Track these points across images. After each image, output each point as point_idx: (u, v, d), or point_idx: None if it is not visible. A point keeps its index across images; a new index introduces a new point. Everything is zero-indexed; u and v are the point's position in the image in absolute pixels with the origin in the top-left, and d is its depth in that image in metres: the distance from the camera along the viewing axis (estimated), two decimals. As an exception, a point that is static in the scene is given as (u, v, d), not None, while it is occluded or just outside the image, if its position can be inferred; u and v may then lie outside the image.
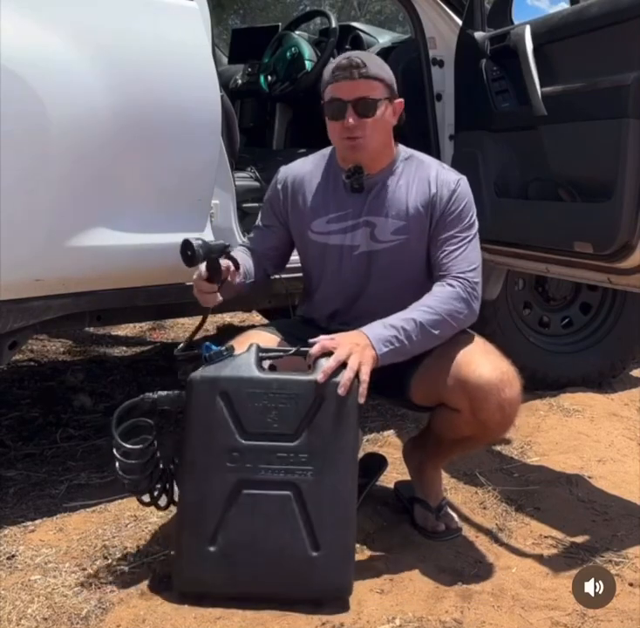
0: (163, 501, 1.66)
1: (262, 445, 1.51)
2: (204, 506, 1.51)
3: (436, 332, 1.62)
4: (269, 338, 1.77)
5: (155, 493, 1.64)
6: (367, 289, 1.80)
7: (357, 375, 1.51)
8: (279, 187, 1.86)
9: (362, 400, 1.52)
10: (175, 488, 1.63)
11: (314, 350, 1.54)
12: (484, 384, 1.58)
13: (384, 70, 1.70)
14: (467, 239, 1.72)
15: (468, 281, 1.68)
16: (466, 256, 1.71)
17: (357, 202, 1.76)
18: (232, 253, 1.64)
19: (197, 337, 1.73)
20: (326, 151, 1.86)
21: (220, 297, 1.65)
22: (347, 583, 1.52)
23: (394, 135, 1.78)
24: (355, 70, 1.64)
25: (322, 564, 1.49)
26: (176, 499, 1.60)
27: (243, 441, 1.51)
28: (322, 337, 1.57)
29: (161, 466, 1.63)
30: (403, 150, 1.80)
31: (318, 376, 1.51)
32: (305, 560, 1.49)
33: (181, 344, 1.65)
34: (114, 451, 1.56)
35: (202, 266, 1.59)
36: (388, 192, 1.75)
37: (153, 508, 1.68)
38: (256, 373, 1.53)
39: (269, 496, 1.50)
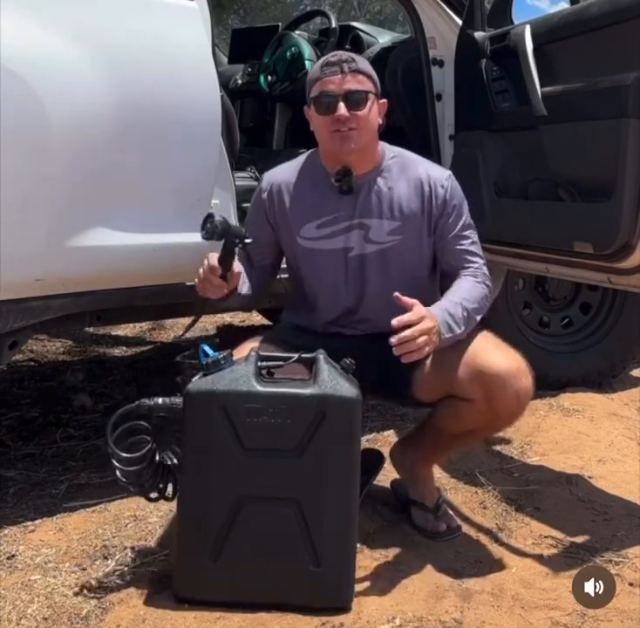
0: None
1: (262, 461, 1.48)
2: (203, 521, 1.48)
3: (472, 322, 1.67)
4: (268, 349, 1.73)
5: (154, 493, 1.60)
6: (366, 292, 1.79)
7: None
8: (264, 195, 1.82)
9: (405, 360, 1.49)
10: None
11: (401, 319, 1.48)
12: (503, 372, 1.60)
13: (370, 68, 1.72)
14: (471, 235, 1.80)
15: (485, 274, 1.78)
16: (476, 252, 1.79)
17: (348, 204, 1.75)
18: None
19: (194, 335, 1.71)
20: (304, 156, 1.84)
21: (224, 291, 1.63)
22: (348, 598, 1.51)
23: (380, 136, 1.77)
24: (345, 64, 1.66)
25: (323, 580, 1.48)
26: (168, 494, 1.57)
27: (242, 457, 1.48)
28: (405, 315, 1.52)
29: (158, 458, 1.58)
30: (388, 149, 1.80)
31: (394, 321, 1.46)
32: (306, 576, 1.48)
33: (185, 348, 1.61)
34: (112, 461, 1.52)
35: (214, 255, 1.59)
36: (379, 192, 1.75)
37: (153, 507, 1.67)
38: (255, 387, 1.48)
39: (270, 512, 1.48)
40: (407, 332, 1.48)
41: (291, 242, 1.81)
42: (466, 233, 1.79)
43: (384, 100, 1.75)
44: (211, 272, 1.60)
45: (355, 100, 1.65)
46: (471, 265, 1.77)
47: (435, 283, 1.87)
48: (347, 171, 1.71)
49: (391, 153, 1.80)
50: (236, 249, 1.60)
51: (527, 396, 1.65)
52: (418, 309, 1.53)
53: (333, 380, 1.49)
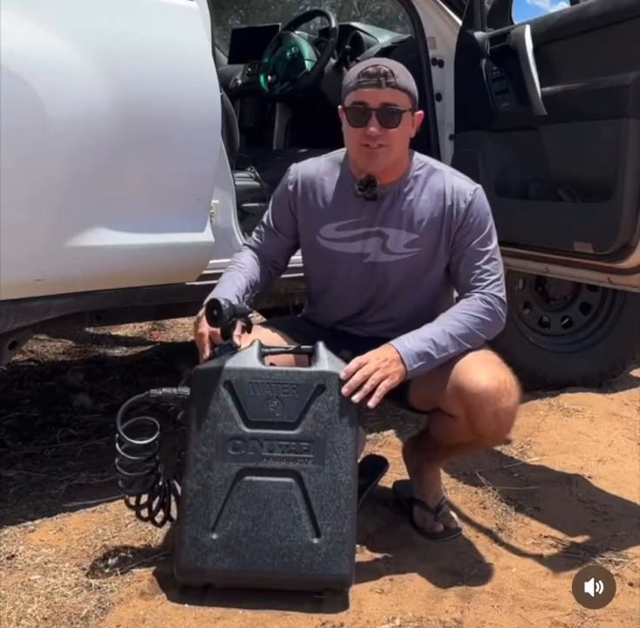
0: (155, 515, 1.68)
1: (264, 433, 1.55)
2: (206, 493, 1.53)
3: (467, 345, 1.64)
4: (271, 335, 1.76)
5: (147, 508, 1.64)
6: (376, 299, 1.79)
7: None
8: (290, 187, 1.82)
9: (371, 405, 1.53)
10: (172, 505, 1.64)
11: (348, 367, 1.55)
12: (480, 392, 1.57)
13: (410, 81, 1.66)
14: (489, 252, 1.72)
15: (496, 296, 1.69)
16: (491, 271, 1.71)
17: (370, 211, 1.73)
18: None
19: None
20: (339, 154, 1.82)
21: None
22: (348, 569, 1.52)
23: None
24: (382, 78, 1.60)
25: (323, 551, 1.51)
26: (173, 516, 1.62)
27: (246, 429, 1.55)
28: (355, 359, 1.57)
29: (160, 477, 1.64)
30: (417, 159, 1.76)
31: (343, 390, 1.53)
32: (306, 547, 1.51)
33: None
34: (116, 446, 1.58)
35: (206, 331, 1.62)
36: (402, 203, 1.72)
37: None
38: (259, 365, 1.58)
39: (271, 484, 1.53)
40: (354, 379, 1.53)
41: (310, 238, 1.81)
42: (484, 249, 1.71)
43: (420, 112, 1.70)
44: (207, 340, 1.62)
45: (388, 117, 1.61)
46: (480, 285, 1.69)
47: (448, 295, 1.84)
48: (371, 181, 1.69)
49: (420, 163, 1.76)
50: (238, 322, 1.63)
51: (509, 416, 1.59)
52: (363, 358, 1.56)
53: (331, 360, 1.59)
